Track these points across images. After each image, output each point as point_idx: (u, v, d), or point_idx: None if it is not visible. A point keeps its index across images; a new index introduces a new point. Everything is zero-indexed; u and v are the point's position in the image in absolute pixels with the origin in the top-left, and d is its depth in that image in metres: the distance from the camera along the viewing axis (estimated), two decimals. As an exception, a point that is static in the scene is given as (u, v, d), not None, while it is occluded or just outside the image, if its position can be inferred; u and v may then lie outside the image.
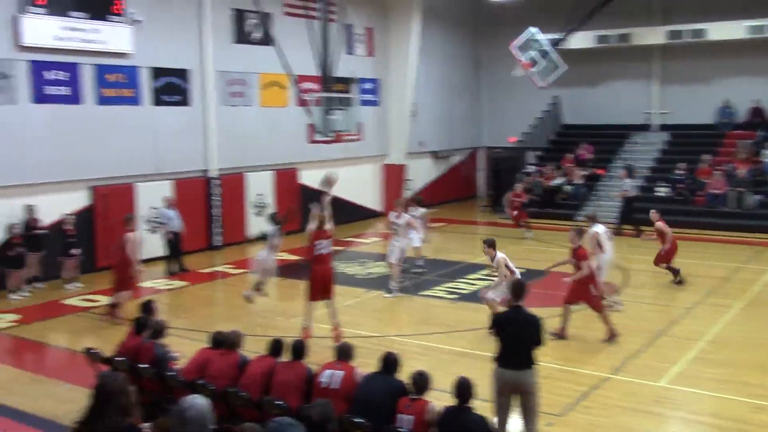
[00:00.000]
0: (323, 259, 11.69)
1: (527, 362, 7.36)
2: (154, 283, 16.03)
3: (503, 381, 7.38)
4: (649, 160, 25.73)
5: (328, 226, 11.76)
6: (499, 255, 11.93)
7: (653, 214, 16.10)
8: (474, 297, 14.42)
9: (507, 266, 11.84)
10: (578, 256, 11.66)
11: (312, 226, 11.78)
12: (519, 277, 11.72)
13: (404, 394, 6.71)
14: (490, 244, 12.02)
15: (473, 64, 30.42)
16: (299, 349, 7.63)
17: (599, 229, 13.35)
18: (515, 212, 21.52)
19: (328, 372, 7.23)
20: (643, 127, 26.70)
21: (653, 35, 25.69)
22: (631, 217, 21.31)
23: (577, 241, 11.82)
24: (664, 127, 26.90)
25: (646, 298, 14.40)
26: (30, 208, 15.32)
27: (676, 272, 15.35)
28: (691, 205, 22.96)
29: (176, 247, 17.10)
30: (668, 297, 14.42)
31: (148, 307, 9.71)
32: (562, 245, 19.30)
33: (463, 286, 15.45)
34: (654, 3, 26.38)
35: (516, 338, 7.41)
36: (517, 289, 7.69)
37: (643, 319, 12.93)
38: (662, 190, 23.90)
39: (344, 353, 7.46)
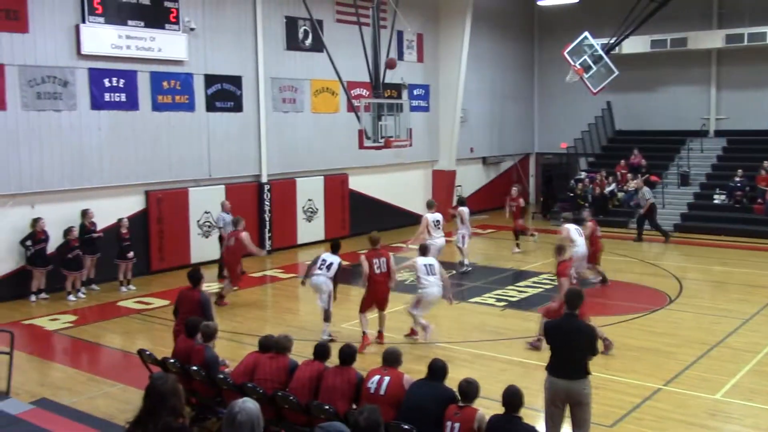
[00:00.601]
0: (380, 278, 11.72)
1: (580, 372, 7.21)
2: (206, 286, 16.24)
3: (555, 390, 7.26)
4: (705, 166, 25.17)
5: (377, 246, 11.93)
6: (414, 260, 12.01)
7: (586, 213, 16.86)
8: (524, 304, 14.30)
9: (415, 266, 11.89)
10: (558, 272, 11.47)
11: (370, 246, 11.99)
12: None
13: (453, 402, 6.68)
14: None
15: (524, 69, 30.19)
16: (348, 355, 7.65)
17: (571, 226, 15.11)
18: (518, 219, 20.15)
19: (375, 378, 7.24)
20: (699, 133, 26.11)
21: (710, 39, 25.14)
22: (656, 223, 21.79)
23: (558, 258, 11.67)
24: (721, 133, 26.30)
25: (702, 308, 14.06)
26: (86, 212, 15.70)
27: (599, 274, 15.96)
28: (750, 213, 22.40)
29: None
30: (725, 307, 14.06)
31: (195, 276, 9.92)
32: (614, 253, 19.07)
33: (513, 293, 15.32)
34: (711, 6, 25.83)
35: (567, 347, 7.28)
36: (572, 297, 7.49)
37: (699, 330, 12.64)
38: (719, 198, 23.36)
39: (391, 359, 7.44)
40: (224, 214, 16.90)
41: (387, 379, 7.16)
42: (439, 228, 16.19)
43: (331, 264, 11.99)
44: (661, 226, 21.70)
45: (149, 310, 14.37)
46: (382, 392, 7.08)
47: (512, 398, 6.41)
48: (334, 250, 12.32)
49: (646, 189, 22.15)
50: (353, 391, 7.39)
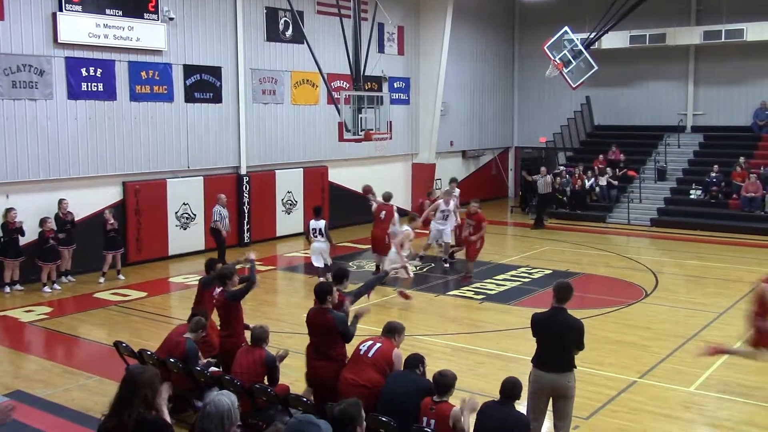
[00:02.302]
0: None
1: (566, 365, 7.19)
2: (184, 278, 16.23)
3: (541, 383, 7.23)
4: (682, 162, 25.40)
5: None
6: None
7: (425, 199, 18.13)
8: (501, 297, 14.37)
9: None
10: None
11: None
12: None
13: (429, 393, 6.68)
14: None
15: (505, 63, 30.26)
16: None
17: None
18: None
19: (368, 342, 7.43)
20: (677, 129, 26.32)
21: (688, 35, 25.34)
22: (545, 210, 23.55)
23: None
24: (698, 129, 26.54)
25: (677, 302, 14.20)
26: (60, 202, 15.53)
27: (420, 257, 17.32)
28: (725, 208, 22.64)
29: (224, 245, 17.19)
30: (700, 301, 14.22)
31: (211, 266, 9.96)
32: (592, 247, 19.21)
33: (491, 286, 15.37)
34: (689, 3, 26.02)
35: (553, 340, 7.22)
36: (560, 291, 7.33)
37: (674, 323, 12.77)
38: (695, 193, 23.59)
39: (390, 330, 7.60)
40: (221, 207, 16.83)
41: (378, 345, 7.34)
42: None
43: (320, 230, 14.63)
44: (544, 214, 23.24)
45: (126, 302, 14.26)
46: (370, 354, 7.27)
47: (511, 389, 6.36)
48: (317, 214, 14.84)
49: (549, 177, 23.53)
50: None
